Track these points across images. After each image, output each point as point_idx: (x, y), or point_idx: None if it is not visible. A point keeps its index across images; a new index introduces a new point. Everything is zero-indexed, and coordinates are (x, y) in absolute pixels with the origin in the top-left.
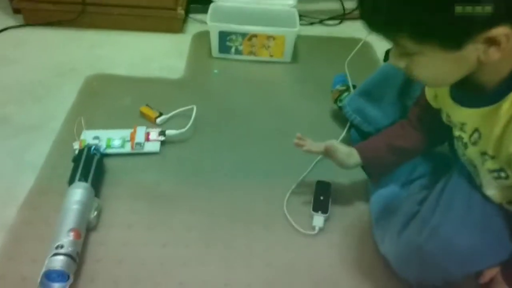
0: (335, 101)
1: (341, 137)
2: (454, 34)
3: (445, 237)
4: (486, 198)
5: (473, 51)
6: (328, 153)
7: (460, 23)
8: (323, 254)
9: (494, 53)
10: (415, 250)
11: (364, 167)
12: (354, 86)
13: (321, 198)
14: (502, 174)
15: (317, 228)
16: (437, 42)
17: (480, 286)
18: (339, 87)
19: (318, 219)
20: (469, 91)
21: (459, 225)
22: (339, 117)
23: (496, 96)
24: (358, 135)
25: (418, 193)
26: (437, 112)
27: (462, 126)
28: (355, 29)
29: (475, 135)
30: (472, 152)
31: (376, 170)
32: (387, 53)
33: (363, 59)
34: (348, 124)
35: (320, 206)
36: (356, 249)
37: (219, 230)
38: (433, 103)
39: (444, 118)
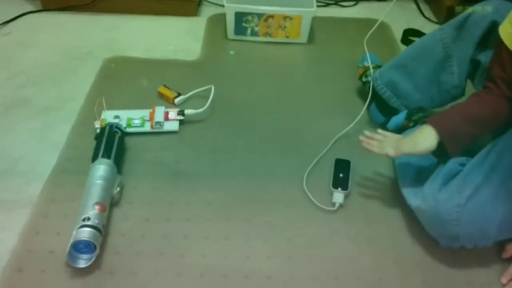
0: (360, 76)
1: (359, 117)
2: None
3: (485, 198)
4: None
5: None
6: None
7: None
8: (343, 230)
9: None
10: (455, 208)
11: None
12: (379, 66)
13: (341, 175)
14: None
15: (337, 205)
16: None
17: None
18: (366, 63)
19: (338, 196)
20: None
21: (500, 188)
22: (357, 96)
23: None
24: (379, 113)
25: (458, 157)
26: None
27: None
28: (371, 10)
29: None
30: None
31: (453, 143)
32: (405, 32)
33: (380, 40)
34: (367, 102)
35: (339, 183)
36: (376, 225)
37: (239, 206)
38: None
39: None
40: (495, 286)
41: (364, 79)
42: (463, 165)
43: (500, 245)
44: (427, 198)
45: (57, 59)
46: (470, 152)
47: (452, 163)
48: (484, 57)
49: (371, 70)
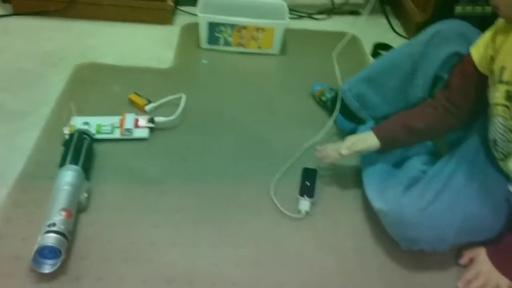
0: (319, 98)
1: (327, 127)
2: None
3: (445, 203)
4: (491, 174)
5: None
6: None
7: None
8: (309, 237)
9: None
10: (416, 212)
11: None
12: (332, 89)
13: (307, 183)
14: None
15: (303, 212)
16: None
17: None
18: (319, 88)
19: (304, 203)
20: None
21: (459, 195)
22: (324, 109)
23: None
24: (346, 123)
25: (420, 164)
26: (480, 79)
27: None
28: (343, 24)
29: None
30: None
31: (389, 147)
32: (375, 46)
33: (351, 52)
34: (334, 114)
35: (306, 191)
36: (341, 231)
37: (208, 213)
38: (483, 67)
39: (504, 78)
40: None
41: (324, 98)
42: (425, 171)
43: (458, 250)
44: (391, 201)
45: (29, 64)
46: (432, 159)
47: (415, 170)
48: (447, 74)
49: (326, 91)
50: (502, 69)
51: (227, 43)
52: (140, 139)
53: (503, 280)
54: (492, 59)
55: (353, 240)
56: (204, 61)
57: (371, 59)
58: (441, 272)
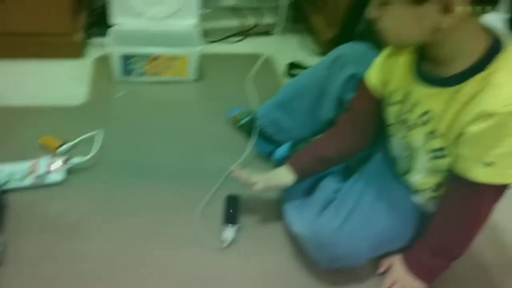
0: (236, 123)
1: (246, 152)
2: None
3: (357, 222)
4: (397, 189)
5: (431, 13)
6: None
7: None
8: (235, 264)
9: (447, 21)
10: (331, 233)
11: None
12: (249, 112)
13: (231, 211)
14: (441, 154)
15: (228, 240)
16: None
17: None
18: (235, 113)
19: (229, 231)
20: (436, 71)
21: (370, 212)
22: (242, 134)
23: (461, 77)
24: (264, 146)
25: (333, 184)
26: (378, 102)
27: (414, 106)
28: (257, 45)
29: (426, 116)
30: (417, 133)
31: (307, 179)
32: (289, 66)
33: (266, 74)
34: (253, 138)
35: (230, 218)
36: (266, 255)
37: (132, 254)
38: (378, 92)
39: (395, 99)
40: None
41: (241, 123)
42: (337, 191)
43: (376, 261)
44: (307, 224)
45: None
46: (345, 175)
47: (328, 191)
48: (347, 96)
49: (243, 115)
50: (393, 91)
51: (141, 74)
52: (55, 184)
53: (418, 284)
54: (386, 82)
55: (278, 263)
56: (119, 94)
57: (285, 79)
58: (362, 284)
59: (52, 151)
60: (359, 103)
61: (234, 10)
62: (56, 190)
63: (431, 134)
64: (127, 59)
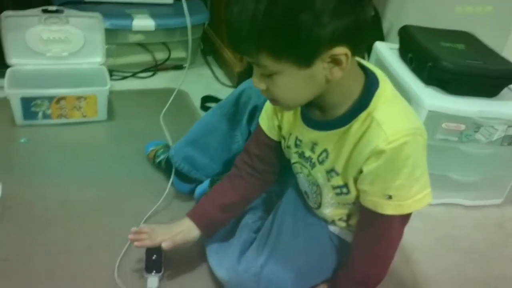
0: (154, 159)
1: (166, 192)
2: (304, 52)
3: (277, 262)
4: (312, 222)
5: (321, 70)
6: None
7: (308, 42)
8: None
9: (337, 72)
10: (253, 277)
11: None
12: (167, 146)
13: (153, 257)
14: (344, 190)
15: None
16: (292, 60)
17: None
18: (153, 148)
19: (153, 280)
20: (321, 116)
21: (288, 249)
22: (160, 171)
23: (346, 119)
24: (182, 185)
25: (254, 222)
26: (275, 145)
27: (313, 146)
28: (169, 79)
29: (323, 155)
30: (318, 171)
31: (214, 231)
32: (203, 99)
33: (180, 108)
34: (171, 177)
35: (153, 266)
36: None
37: None
38: (274, 135)
39: (291, 143)
40: None
41: (157, 160)
42: (257, 231)
43: None
44: (229, 270)
45: None
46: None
47: (247, 233)
48: (252, 128)
49: (161, 150)
50: (287, 135)
51: (46, 117)
52: None
53: None
54: (278, 126)
55: None
56: (22, 140)
57: (201, 112)
58: None
59: None
60: (255, 147)
61: (142, 46)
62: None
63: (331, 172)
64: (28, 102)
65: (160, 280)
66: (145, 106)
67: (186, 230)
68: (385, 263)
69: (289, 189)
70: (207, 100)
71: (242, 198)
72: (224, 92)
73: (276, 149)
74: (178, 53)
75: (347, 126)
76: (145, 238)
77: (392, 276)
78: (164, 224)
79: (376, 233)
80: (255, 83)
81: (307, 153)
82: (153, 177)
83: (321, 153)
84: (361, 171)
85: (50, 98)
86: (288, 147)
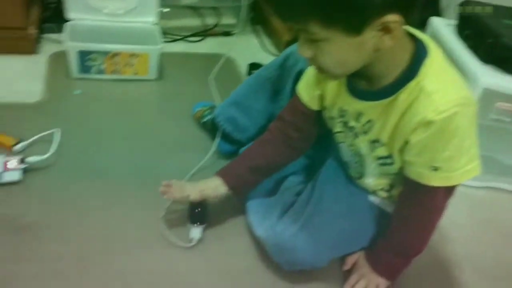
0: (200, 119)
1: (211, 152)
2: (356, 19)
3: (316, 225)
4: (353, 191)
5: (371, 38)
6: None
7: (360, 9)
8: (202, 263)
9: (388, 40)
10: (290, 238)
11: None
12: (213, 107)
13: (197, 210)
14: (388, 161)
15: (194, 240)
16: (341, 27)
17: (344, 272)
18: (200, 108)
19: (195, 231)
20: (368, 85)
21: (328, 215)
22: (205, 131)
23: (393, 88)
24: (226, 146)
25: (295, 186)
26: (312, 114)
27: (358, 116)
28: (217, 45)
29: (368, 125)
30: (361, 141)
31: (241, 190)
32: (250, 66)
33: (227, 73)
34: (216, 137)
35: (197, 218)
36: (233, 254)
37: (94, 257)
38: (312, 104)
39: (335, 113)
40: None
41: (204, 120)
42: (299, 194)
43: (342, 259)
44: (268, 229)
45: None
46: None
47: (288, 195)
48: None
49: (208, 111)
50: (331, 105)
51: (100, 71)
52: (11, 183)
53: (381, 281)
54: (320, 96)
55: (244, 262)
56: (77, 92)
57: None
58: (328, 282)
59: (6, 150)
60: (289, 113)
61: (194, 10)
62: (14, 189)
63: (375, 142)
64: (85, 55)
65: (203, 231)
66: (193, 69)
67: (213, 187)
68: (426, 235)
69: (330, 158)
70: (254, 67)
71: (270, 163)
72: (271, 60)
73: (312, 118)
74: (227, 20)
75: (393, 96)
76: (174, 190)
77: (430, 252)
78: (194, 181)
79: (419, 204)
80: (300, 51)
81: (351, 123)
82: (198, 136)
83: (365, 123)
84: (407, 142)
85: (105, 53)
86: (332, 117)
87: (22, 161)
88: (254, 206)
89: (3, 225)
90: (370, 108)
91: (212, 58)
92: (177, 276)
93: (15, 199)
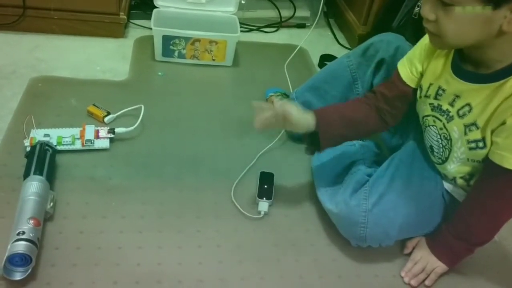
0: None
1: (281, 133)
2: None
3: (388, 204)
4: (426, 175)
5: (501, 17)
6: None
7: None
8: (268, 235)
9: None
10: (363, 213)
11: (313, 133)
12: (285, 94)
13: (265, 186)
14: (480, 144)
15: (262, 213)
16: None
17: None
18: (272, 93)
19: (263, 205)
20: (474, 68)
21: (400, 196)
22: None
23: (504, 74)
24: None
25: (366, 168)
26: (407, 91)
27: (454, 99)
28: (291, 36)
29: (465, 109)
30: (455, 124)
31: (326, 139)
32: (321, 58)
33: (299, 63)
34: None
35: (264, 193)
36: (297, 229)
37: (171, 218)
38: (411, 81)
39: (431, 92)
40: (397, 278)
41: None
42: (370, 175)
43: (403, 242)
44: (340, 203)
45: None
46: (376, 162)
47: (361, 173)
48: (375, 81)
49: (280, 97)
50: (430, 84)
51: (181, 56)
52: (100, 150)
53: (439, 265)
54: (421, 75)
55: (308, 237)
56: (160, 73)
57: (318, 69)
58: (388, 263)
59: (98, 120)
60: (384, 87)
61: (270, 1)
62: (102, 156)
63: (471, 125)
64: (168, 40)
65: (269, 206)
66: (267, 57)
67: (304, 117)
68: (495, 225)
69: (409, 142)
70: (325, 58)
71: (362, 118)
72: (342, 53)
73: (406, 96)
74: (302, 12)
75: (502, 81)
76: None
77: (497, 244)
78: None
79: (495, 188)
80: (424, 11)
81: (445, 106)
82: None
83: (462, 107)
84: (503, 123)
85: (187, 39)
86: (427, 96)
87: (111, 131)
88: (325, 182)
89: (94, 186)
90: (472, 91)
91: (286, 48)
92: (244, 243)
93: (104, 163)
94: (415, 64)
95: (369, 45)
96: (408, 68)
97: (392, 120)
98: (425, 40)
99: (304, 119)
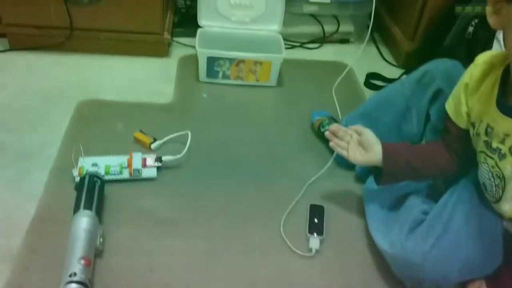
0: (318, 128)
1: (330, 161)
2: None
3: (447, 246)
4: (485, 213)
5: None
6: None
7: None
8: (320, 275)
9: None
10: (421, 256)
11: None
12: (333, 118)
13: (315, 220)
14: None
15: (313, 250)
16: None
17: None
18: (318, 117)
19: (314, 241)
20: None
21: (459, 236)
22: (323, 141)
23: None
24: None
25: (420, 204)
26: (460, 133)
27: (504, 138)
28: (334, 52)
29: None
30: (508, 162)
31: (389, 174)
32: (367, 76)
33: (345, 82)
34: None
35: (315, 228)
36: (350, 269)
37: (219, 254)
38: (461, 122)
39: (481, 129)
40: None
41: (322, 129)
42: (425, 212)
43: (461, 284)
44: (395, 244)
45: (28, 102)
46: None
47: (416, 211)
48: (432, 112)
49: (326, 121)
50: (478, 122)
51: (225, 77)
52: (149, 179)
53: None
54: (468, 114)
55: (362, 276)
56: (204, 95)
57: (364, 88)
58: None
59: (144, 147)
60: (446, 134)
61: (312, 17)
62: (149, 185)
63: None
64: (213, 61)
65: (321, 242)
66: (311, 76)
67: (373, 154)
68: None
69: (466, 177)
70: (372, 77)
71: (429, 152)
72: (388, 70)
73: (461, 137)
74: (345, 27)
75: None
76: (343, 147)
77: None
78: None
79: None
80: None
81: (495, 144)
82: (316, 144)
83: None
84: None
85: (231, 60)
86: (478, 134)
87: (158, 159)
88: (376, 219)
89: (142, 218)
90: None
91: (331, 66)
92: (296, 282)
93: (151, 194)
94: (459, 103)
95: (424, 72)
96: (454, 108)
97: (453, 165)
98: (464, 79)
99: (376, 140)
